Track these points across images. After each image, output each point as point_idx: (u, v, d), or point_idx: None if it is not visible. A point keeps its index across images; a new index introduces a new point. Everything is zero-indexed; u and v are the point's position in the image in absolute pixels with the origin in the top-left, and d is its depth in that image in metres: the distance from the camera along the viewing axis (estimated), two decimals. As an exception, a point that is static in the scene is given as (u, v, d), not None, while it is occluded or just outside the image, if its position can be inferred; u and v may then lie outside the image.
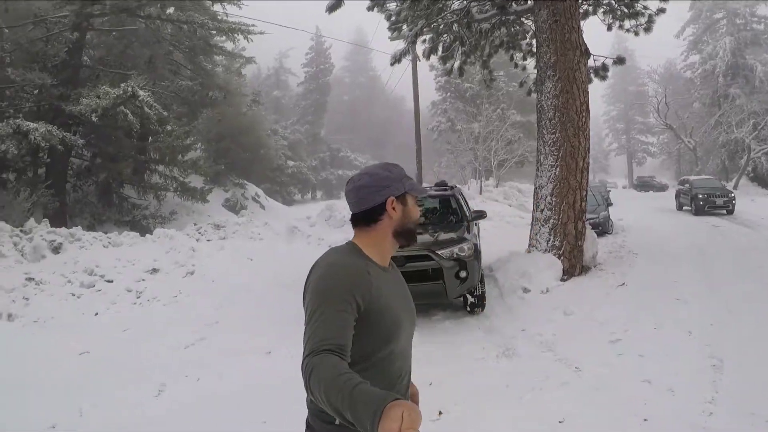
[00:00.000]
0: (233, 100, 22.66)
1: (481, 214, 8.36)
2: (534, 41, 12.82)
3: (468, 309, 7.23)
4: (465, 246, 6.84)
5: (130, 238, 11.48)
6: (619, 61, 12.25)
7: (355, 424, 1.18)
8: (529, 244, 9.38)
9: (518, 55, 13.45)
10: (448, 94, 35.76)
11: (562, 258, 8.71)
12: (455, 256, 6.68)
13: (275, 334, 6.51)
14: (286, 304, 7.98)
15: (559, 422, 3.94)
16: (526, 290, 7.88)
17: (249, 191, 25.00)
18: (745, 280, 7.85)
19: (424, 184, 23.09)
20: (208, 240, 13.31)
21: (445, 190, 9.03)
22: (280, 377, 4.94)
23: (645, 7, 11.39)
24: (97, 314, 7.98)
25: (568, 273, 8.63)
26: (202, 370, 5.61)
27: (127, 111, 13.42)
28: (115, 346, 6.56)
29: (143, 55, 16.71)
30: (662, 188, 43.64)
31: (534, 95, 14.44)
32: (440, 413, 4.18)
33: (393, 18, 11.13)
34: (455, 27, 11.16)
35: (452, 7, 10.78)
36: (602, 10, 11.56)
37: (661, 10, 11.67)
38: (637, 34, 12.06)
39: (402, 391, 1.70)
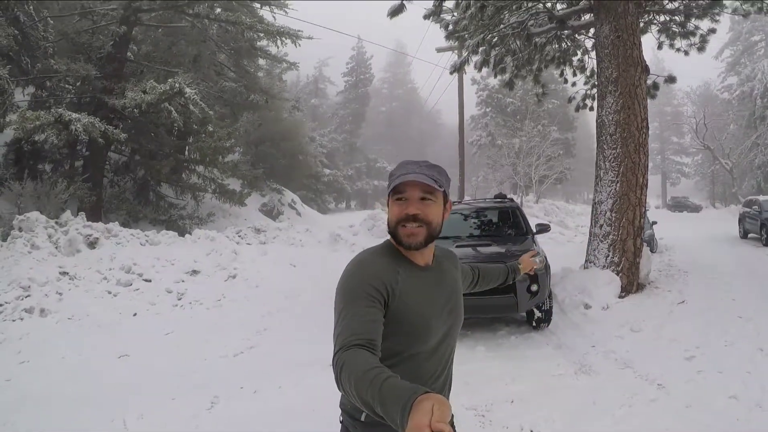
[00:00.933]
0: (274, 105, 22.78)
1: (545, 228, 8.19)
2: (585, 57, 12.98)
3: (533, 324, 6.99)
4: (537, 259, 6.65)
5: (168, 237, 11.45)
6: (670, 80, 12.16)
7: (385, 418, 1.16)
8: (587, 260, 9.19)
9: (568, 71, 13.32)
10: (489, 108, 35.80)
11: (620, 275, 8.51)
12: None
13: (329, 346, 6.31)
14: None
15: None
16: (587, 306, 7.70)
17: (286, 197, 25.01)
18: None
19: (466, 197, 23.05)
20: (248, 244, 13.28)
21: (504, 202, 8.91)
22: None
23: (697, 27, 11.27)
24: (135, 315, 7.83)
25: (625, 290, 8.44)
26: (257, 381, 5.28)
27: (172, 108, 13.44)
28: (158, 350, 6.38)
29: (188, 54, 16.80)
30: (696, 209, 42.97)
31: (577, 112, 14.64)
32: (532, 432, 4.04)
33: (450, 27, 11.08)
34: (508, 40, 11.08)
35: (510, 20, 10.68)
36: (657, 28, 11.44)
37: (712, 31, 11.59)
38: (687, 53, 11.94)
39: (437, 392, 1.54)
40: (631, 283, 8.63)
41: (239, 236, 14.09)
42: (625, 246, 8.67)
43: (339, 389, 1.36)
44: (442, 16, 11.30)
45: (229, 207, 18.58)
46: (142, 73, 15.46)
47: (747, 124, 38.19)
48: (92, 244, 9.96)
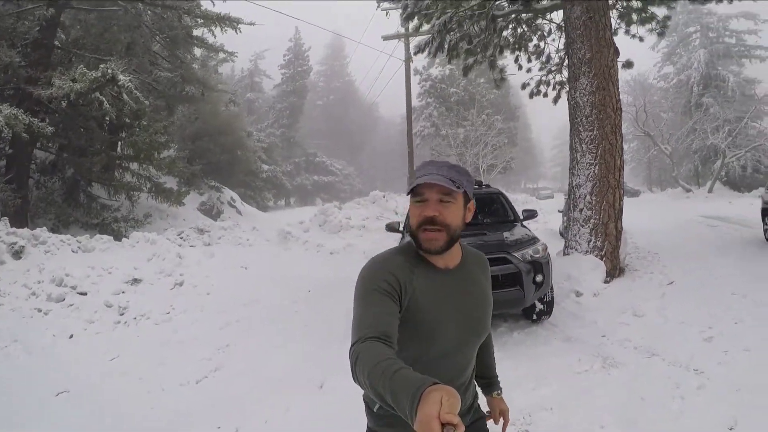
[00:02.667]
0: (211, 98, 21.77)
1: (532, 213, 7.79)
2: (542, 42, 12.82)
3: (534, 318, 6.49)
4: (539, 247, 6.21)
5: (103, 242, 10.37)
6: (628, 65, 12.05)
7: (395, 409, 1.16)
8: (567, 245, 8.97)
9: (523, 57, 13.14)
10: (432, 99, 35.58)
11: (604, 259, 8.33)
12: (530, 258, 6.03)
13: (314, 361, 5.56)
14: (307, 321, 7.18)
15: (730, 429, 3.57)
16: (578, 294, 7.39)
17: (225, 195, 23.95)
18: None
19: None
20: (192, 246, 12.31)
21: (488, 188, 8.52)
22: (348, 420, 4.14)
23: (653, 13, 11.30)
24: (72, 336, 6.74)
25: (610, 275, 8.27)
26: (235, 415, 4.38)
27: (103, 98, 12.27)
28: (103, 382, 5.34)
29: (121, 42, 15.44)
30: (635, 194, 44.27)
31: (531, 99, 14.41)
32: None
33: (410, 8, 10.58)
34: (466, 24, 10.73)
35: (472, 1, 10.32)
36: (617, 13, 11.37)
37: (667, 17, 11.69)
38: (642, 40, 11.98)
39: None
40: (615, 268, 8.50)
41: (181, 238, 13.09)
42: (607, 230, 8.51)
43: (355, 381, 1.36)
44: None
45: (166, 207, 17.50)
46: (71, 62, 14.13)
47: (683, 111, 40.16)
48: (17, 254, 8.88)
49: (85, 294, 7.93)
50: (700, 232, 13.93)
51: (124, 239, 11.01)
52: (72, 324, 7.04)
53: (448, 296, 1.66)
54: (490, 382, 2.11)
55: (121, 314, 7.64)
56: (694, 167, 39.26)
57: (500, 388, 2.12)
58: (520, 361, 5.20)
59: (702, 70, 37.31)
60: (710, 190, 32.53)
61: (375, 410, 1.68)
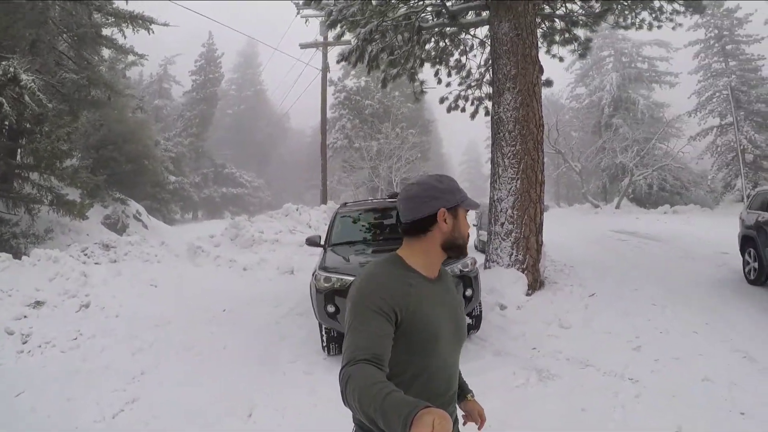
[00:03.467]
0: (118, 103, 20.49)
1: None
2: (463, 57, 12.97)
3: None
4: (468, 261, 6.16)
5: (1, 261, 9.38)
6: (548, 83, 12.38)
7: None
8: (488, 259, 9.04)
9: (443, 71, 13.22)
10: (346, 110, 35.25)
11: (526, 272, 8.44)
12: (459, 272, 5.95)
13: (239, 386, 5.22)
14: (225, 343, 6.79)
15: None
16: (503, 307, 7.41)
17: (131, 208, 22.58)
18: (699, 286, 8.39)
19: (330, 202, 22.48)
20: (97, 263, 11.39)
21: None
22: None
23: (576, 35, 11.67)
24: None
25: (531, 287, 8.37)
26: None
27: (3, 99, 11.23)
28: (10, 422, 4.72)
29: (26, 38, 14.15)
30: (545, 209, 45.96)
31: (449, 114, 14.55)
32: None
33: (333, 15, 10.40)
34: (390, 34, 10.69)
35: (399, 11, 10.29)
36: (541, 32, 11.63)
37: (588, 39, 12.13)
38: (562, 60, 12.41)
39: (449, 402, 1.73)
40: (536, 281, 8.62)
41: (86, 255, 12.07)
42: (528, 243, 8.65)
43: (345, 404, 1.37)
44: (323, 2, 10.71)
45: (69, 221, 16.14)
46: (-32, 60, 12.81)
47: (593, 131, 42.52)
48: None
49: (-19, 321, 7.12)
50: (612, 246, 14.59)
51: (24, 257, 10.04)
52: (-32, 356, 6.26)
53: (441, 305, 1.70)
54: (462, 387, 2.12)
55: (24, 342, 6.84)
56: (602, 184, 41.10)
57: (471, 391, 2.15)
58: (455, 379, 5.10)
59: (614, 92, 39.22)
60: (618, 206, 34.19)
61: None
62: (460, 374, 2.05)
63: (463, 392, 2.10)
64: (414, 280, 1.64)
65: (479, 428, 2.07)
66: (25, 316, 7.51)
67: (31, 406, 4.99)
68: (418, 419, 1.08)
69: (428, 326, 1.60)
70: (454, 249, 1.73)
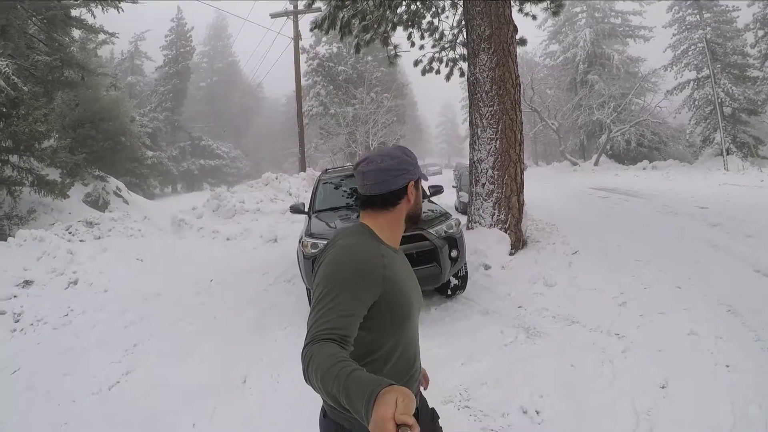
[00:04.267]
0: (92, 82, 20.11)
1: (438, 190, 7.72)
2: (435, 19, 12.76)
3: (449, 293, 6.45)
4: (452, 222, 6.15)
5: (-13, 243, 9.38)
6: (522, 42, 12.24)
7: (350, 411, 1.17)
8: (471, 220, 9.02)
9: (416, 34, 13.02)
10: (320, 77, 34.74)
11: (508, 232, 8.45)
12: (445, 233, 5.95)
13: (232, 355, 5.24)
14: (215, 313, 6.79)
15: (662, 387, 3.72)
16: (487, 267, 7.43)
17: (111, 185, 22.31)
18: (681, 241, 8.42)
19: (308, 169, 22.30)
20: (82, 240, 11.30)
21: None
22: (278, 415, 3.84)
23: None
24: None
25: (514, 247, 8.41)
26: (157, 423, 4.01)
27: (-23, 85, 10.93)
28: (6, 400, 4.73)
29: (-4, 24, 13.75)
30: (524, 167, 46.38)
31: (423, 76, 14.41)
32: (538, 412, 3.57)
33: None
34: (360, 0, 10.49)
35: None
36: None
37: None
38: (535, 18, 12.22)
39: (418, 372, 1.77)
40: (519, 240, 8.64)
41: (70, 233, 11.97)
42: (510, 203, 8.63)
43: (306, 383, 1.35)
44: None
45: (51, 201, 15.94)
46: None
47: (569, 88, 42.31)
48: None
49: (-27, 302, 7.05)
50: (592, 203, 14.72)
51: (9, 238, 9.94)
52: (-37, 335, 6.19)
53: (407, 274, 1.75)
54: None
55: (17, 321, 6.86)
56: (579, 142, 41.31)
57: None
58: (443, 339, 5.11)
59: (588, 48, 39.09)
60: (596, 164, 34.39)
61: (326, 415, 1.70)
62: None
63: None
64: (385, 252, 1.65)
65: (424, 388, 2.07)
66: (15, 296, 7.55)
67: (27, 383, 4.99)
68: (380, 397, 1.09)
69: (403, 296, 1.62)
70: (414, 219, 1.78)
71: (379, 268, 1.56)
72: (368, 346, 1.56)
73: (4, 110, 12.92)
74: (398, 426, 1.03)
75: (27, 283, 7.99)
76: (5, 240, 9.74)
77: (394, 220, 1.72)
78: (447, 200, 19.11)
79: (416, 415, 1.59)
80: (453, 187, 18.34)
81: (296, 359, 4.33)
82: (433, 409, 1.92)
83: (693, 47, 32.89)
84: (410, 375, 1.69)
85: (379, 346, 1.58)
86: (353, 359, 1.32)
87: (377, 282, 1.53)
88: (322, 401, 1.65)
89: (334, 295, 1.45)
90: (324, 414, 1.68)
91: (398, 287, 1.60)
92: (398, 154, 1.73)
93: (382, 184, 1.68)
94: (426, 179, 1.85)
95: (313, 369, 1.29)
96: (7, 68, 11.47)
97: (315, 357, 1.31)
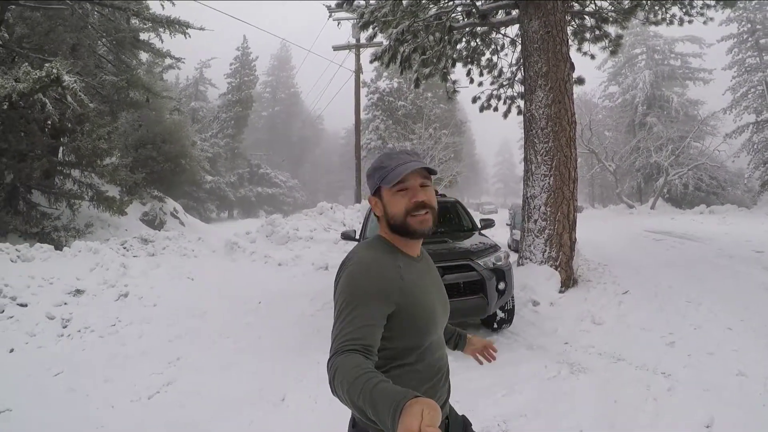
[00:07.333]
0: (156, 104, 21.01)
1: (489, 223, 7.81)
2: (495, 57, 12.95)
3: (495, 326, 6.46)
4: (501, 254, 6.23)
5: (43, 251, 9.84)
6: (579, 81, 12.27)
7: (377, 422, 1.17)
8: (521, 256, 9.05)
9: (475, 70, 13.23)
10: (379, 112, 35.42)
11: (559, 269, 8.44)
12: (493, 265, 6.02)
13: (273, 373, 5.36)
14: (260, 333, 6.94)
15: (706, 427, 3.68)
16: (535, 303, 7.44)
17: (168, 206, 23.14)
18: (734, 284, 8.25)
19: (363, 201, 22.56)
20: (135, 256, 11.81)
21: (444, 197, 8.50)
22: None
23: (607, 32, 11.50)
24: (12, 351, 6.16)
25: (564, 284, 8.38)
26: None
27: (46, 99, 11.66)
28: (47, 399, 4.88)
29: (67, 42, 14.73)
30: (579, 209, 45.44)
31: (481, 113, 14.55)
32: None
33: (366, 16, 10.53)
34: (422, 35, 10.77)
35: (429, 12, 10.38)
36: (571, 30, 11.57)
37: (620, 36, 11.96)
38: (593, 57, 12.25)
39: (443, 378, 1.73)
40: (569, 278, 8.61)
41: (125, 248, 12.55)
42: (562, 240, 8.63)
43: (333, 394, 1.36)
44: (355, 4, 10.86)
45: (108, 216, 16.64)
46: (14, 61, 13.29)
47: (627, 130, 41.88)
48: (-49, 263, 8.28)
49: (26, 305, 7.37)
50: (646, 246, 14.41)
51: (65, 248, 10.47)
52: (12, 337, 6.49)
53: (429, 283, 1.72)
54: (456, 335, 2.17)
55: (64, 327, 7.09)
56: (636, 184, 40.51)
57: (464, 332, 2.19)
58: (486, 370, 5.06)
59: (647, 90, 38.84)
60: (653, 207, 33.63)
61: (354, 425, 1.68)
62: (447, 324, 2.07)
63: (461, 336, 2.16)
64: (402, 262, 1.64)
65: (491, 356, 2.13)
66: (65, 303, 7.75)
67: (69, 385, 5.16)
68: (406, 409, 1.08)
69: (424, 306, 1.62)
70: (399, 230, 1.66)
71: (396, 279, 1.56)
72: (390, 353, 1.57)
73: (69, 126, 13.62)
74: None
75: (78, 292, 8.25)
76: (61, 250, 10.19)
77: (386, 230, 1.71)
78: (500, 238, 19.07)
79: (446, 426, 1.71)
80: (507, 224, 18.29)
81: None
82: (464, 416, 1.92)
83: (753, 90, 32.25)
84: (434, 382, 1.68)
85: (400, 354, 1.59)
86: (376, 368, 1.36)
87: (394, 292, 1.53)
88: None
89: (352, 307, 1.47)
90: (353, 423, 1.68)
91: (416, 296, 1.60)
92: (375, 163, 1.72)
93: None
94: (394, 179, 1.61)
95: (339, 381, 1.30)
96: (75, 85, 12.03)
97: (340, 369, 1.32)
